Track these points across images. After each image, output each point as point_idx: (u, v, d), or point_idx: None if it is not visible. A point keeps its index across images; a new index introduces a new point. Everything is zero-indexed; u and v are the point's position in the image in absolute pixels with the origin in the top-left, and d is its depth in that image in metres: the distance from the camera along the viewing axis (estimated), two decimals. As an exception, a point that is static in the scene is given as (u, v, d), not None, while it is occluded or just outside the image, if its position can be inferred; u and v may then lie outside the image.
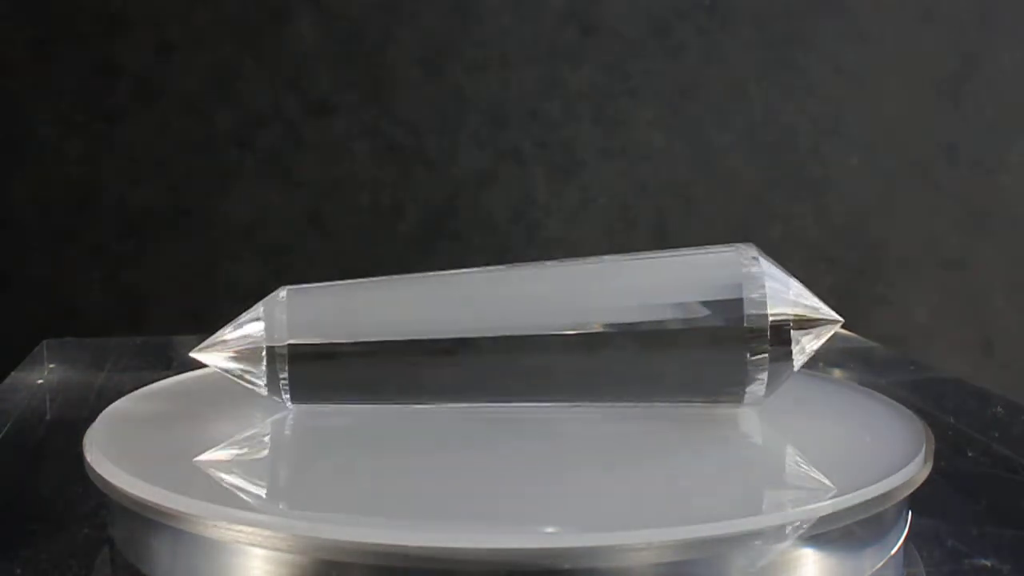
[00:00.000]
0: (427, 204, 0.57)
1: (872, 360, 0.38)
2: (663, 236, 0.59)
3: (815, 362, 0.37)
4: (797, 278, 0.23)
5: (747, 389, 0.22)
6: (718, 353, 0.22)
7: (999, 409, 0.31)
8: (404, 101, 0.57)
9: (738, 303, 0.22)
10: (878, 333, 0.52)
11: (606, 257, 0.24)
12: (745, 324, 0.22)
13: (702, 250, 0.24)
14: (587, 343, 0.23)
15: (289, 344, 0.23)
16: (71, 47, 0.54)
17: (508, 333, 0.23)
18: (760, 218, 0.59)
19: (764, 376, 0.22)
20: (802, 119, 0.59)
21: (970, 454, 0.27)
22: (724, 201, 0.59)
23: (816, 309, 0.22)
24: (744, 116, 0.59)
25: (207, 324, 0.60)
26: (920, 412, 0.24)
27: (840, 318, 0.22)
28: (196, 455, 0.22)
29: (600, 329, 0.22)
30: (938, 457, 0.21)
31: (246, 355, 0.24)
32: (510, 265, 0.25)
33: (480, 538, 0.17)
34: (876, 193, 0.59)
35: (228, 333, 0.24)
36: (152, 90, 0.55)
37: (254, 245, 0.56)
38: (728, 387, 0.22)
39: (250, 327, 0.24)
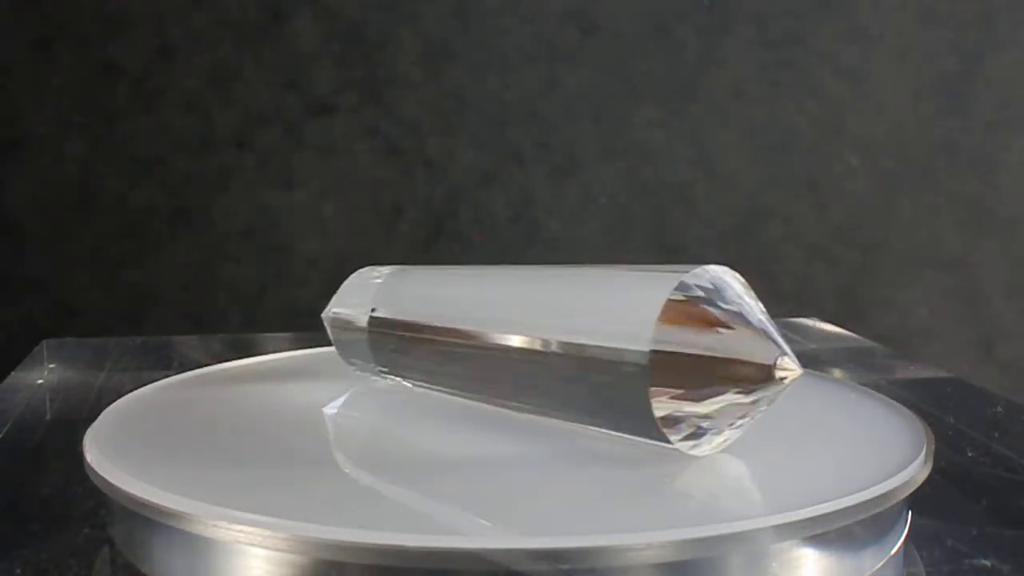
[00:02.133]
0: (427, 204, 0.57)
1: (872, 360, 0.38)
2: (663, 236, 0.59)
3: (815, 362, 0.37)
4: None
5: (660, 437, 0.20)
6: (622, 391, 0.20)
7: (999, 409, 0.31)
8: (404, 101, 0.57)
9: (646, 337, 0.19)
10: (878, 333, 0.52)
11: (556, 268, 0.24)
12: (647, 363, 0.19)
13: (652, 271, 0.21)
14: (514, 355, 0.22)
15: (370, 318, 0.26)
16: (71, 47, 0.54)
17: (462, 328, 0.24)
18: (760, 218, 0.59)
19: (683, 427, 0.19)
20: (802, 119, 0.59)
21: (970, 454, 0.27)
22: (724, 201, 0.59)
23: (765, 358, 0.19)
24: (744, 116, 0.59)
25: (207, 324, 0.60)
26: (920, 412, 0.24)
27: (800, 369, 0.19)
28: (196, 455, 0.22)
29: (523, 344, 0.22)
30: (938, 457, 0.21)
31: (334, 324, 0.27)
32: (514, 266, 0.26)
33: (480, 538, 0.17)
34: (876, 193, 0.59)
35: (333, 302, 0.28)
36: (152, 90, 0.55)
37: (254, 245, 0.57)
38: (639, 431, 0.20)
39: (340, 301, 0.27)
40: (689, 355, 0.19)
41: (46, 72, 0.54)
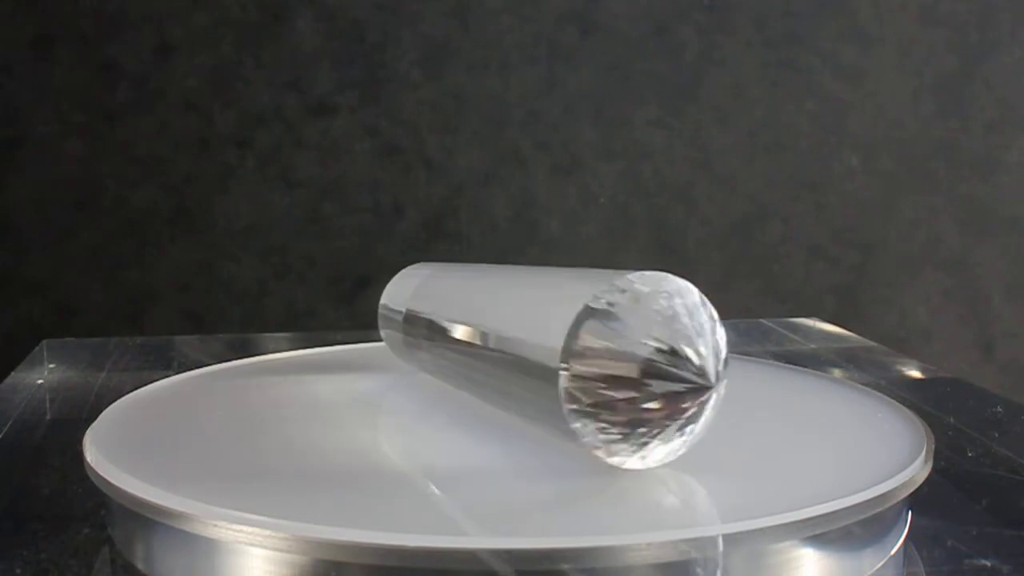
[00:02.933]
0: (427, 204, 0.57)
1: (872, 360, 0.38)
2: (663, 236, 0.59)
3: (815, 362, 0.37)
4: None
5: (588, 445, 0.19)
6: (540, 394, 0.20)
7: (999, 409, 0.31)
8: (404, 101, 0.57)
9: (555, 342, 0.19)
10: (878, 333, 0.52)
11: (526, 270, 0.25)
12: (561, 368, 0.19)
13: (592, 275, 0.20)
14: (465, 351, 0.23)
15: (407, 312, 0.27)
16: (71, 47, 0.54)
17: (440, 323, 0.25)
18: (760, 218, 0.59)
19: (599, 438, 0.19)
20: (802, 119, 0.59)
21: (970, 454, 0.27)
22: (724, 201, 0.59)
23: (679, 374, 0.18)
24: (744, 116, 0.59)
25: (207, 324, 0.60)
26: (920, 412, 0.24)
27: (709, 383, 0.19)
28: (196, 455, 0.22)
29: (473, 340, 0.23)
30: (938, 457, 0.21)
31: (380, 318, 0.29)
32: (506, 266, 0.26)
33: (479, 538, 0.17)
34: (876, 193, 0.59)
35: (383, 297, 0.29)
36: (152, 90, 0.55)
37: (254, 245, 0.57)
38: (564, 437, 0.20)
39: (387, 296, 0.29)
40: (602, 368, 0.19)
41: (46, 72, 0.54)
